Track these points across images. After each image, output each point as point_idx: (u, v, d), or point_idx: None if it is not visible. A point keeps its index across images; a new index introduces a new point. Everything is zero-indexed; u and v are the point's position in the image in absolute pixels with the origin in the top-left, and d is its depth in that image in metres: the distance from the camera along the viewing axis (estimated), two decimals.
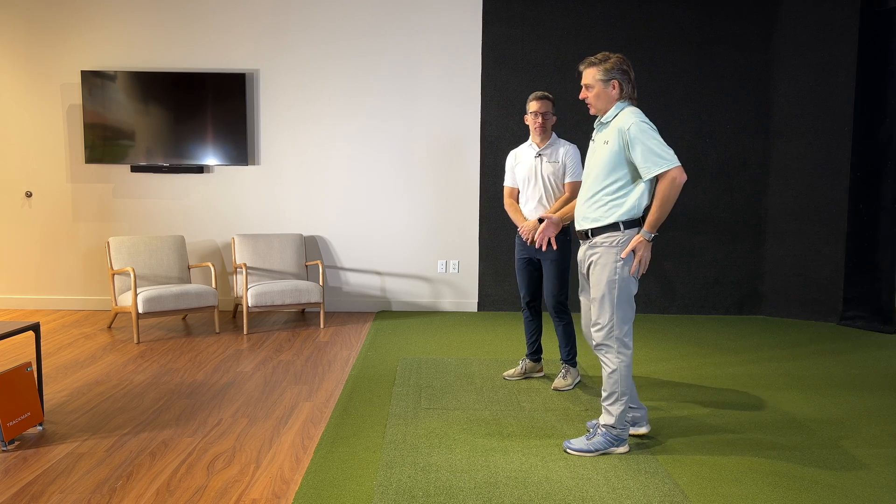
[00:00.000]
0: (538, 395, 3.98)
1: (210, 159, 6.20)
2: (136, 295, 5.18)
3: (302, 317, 6.23)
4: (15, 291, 6.42)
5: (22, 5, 6.20)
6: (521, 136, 6.23)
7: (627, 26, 6.19)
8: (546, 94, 4.01)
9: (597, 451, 3.10)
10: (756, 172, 6.28)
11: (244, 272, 5.57)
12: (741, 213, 6.31)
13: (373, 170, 6.37)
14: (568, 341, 4.10)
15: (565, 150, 4.02)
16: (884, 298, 5.78)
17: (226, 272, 6.43)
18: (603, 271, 3.08)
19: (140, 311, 5.16)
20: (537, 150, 4.05)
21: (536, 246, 3.86)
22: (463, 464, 3.00)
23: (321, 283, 5.74)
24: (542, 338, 5.36)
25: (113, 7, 6.21)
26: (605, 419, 3.13)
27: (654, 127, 3.00)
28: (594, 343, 3.16)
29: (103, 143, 6.14)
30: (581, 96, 3.15)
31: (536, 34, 6.22)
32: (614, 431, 3.11)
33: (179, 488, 2.79)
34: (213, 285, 5.76)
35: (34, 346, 4.31)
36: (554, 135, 4.08)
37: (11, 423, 3.17)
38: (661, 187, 2.93)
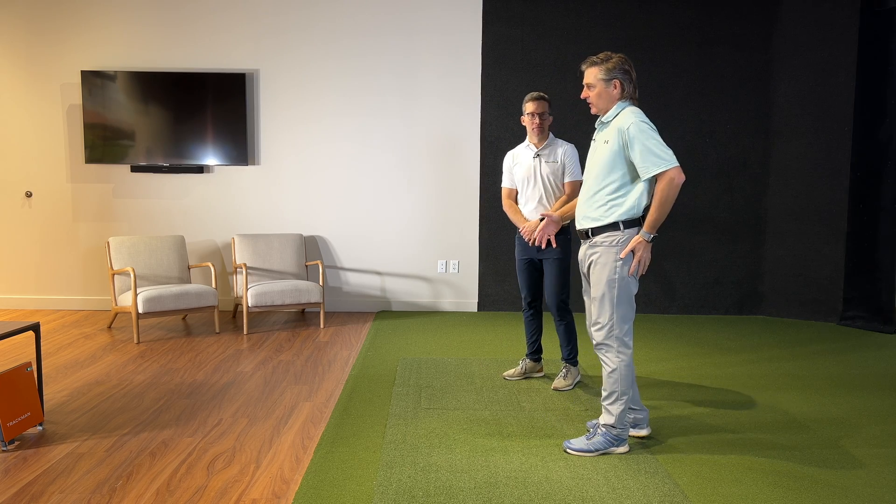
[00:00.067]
0: (538, 395, 3.98)
1: (210, 159, 6.20)
2: (136, 295, 5.18)
3: (302, 317, 6.23)
4: (15, 291, 6.42)
5: (22, 5, 6.20)
6: (521, 136, 6.23)
7: (627, 26, 6.19)
8: (542, 94, 4.01)
9: (597, 451, 3.10)
10: (756, 172, 6.28)
11: (244, 272, 5.57)
12: (741, 213, 6.31)
13: (373, 170, 6.37)
14: (569, 340, 4.10)
15: (564, 149, 4.03)
16: (884, 298, 5.78)
17: (226, 272, 6.43)
18: (603, 271, 3.09)
19: (140, 311, 5.16)
20: (535, 150, 4.05)
21: (536, 243, 3.86)
22: (463, 464, 3.00)
23: (321, 283, 5.74)
24: (543, 338, 5.36)
25: (113, 7, 6.21)
26: (605, 419, 3.13)
27: (654, 127, 3.00)
28: (594, 342, 3.16)
29: (103, 143, 6.14)
30: (583, 95, 3.16)
31: (536, 34, 6.22)
32: (614, 431, 3.11)
33: (179, 488, 2.79)
34: (213, 285, 5.76)
35: (34, 346, 4.31)
36: (551, 135, 4.09)
37: (11, 423, 3.17)
38: (660, 187, 2.94)
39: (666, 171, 2.93)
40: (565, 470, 2.95)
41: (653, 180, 3.03)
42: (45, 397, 3.85)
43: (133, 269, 5.27)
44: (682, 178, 2.93)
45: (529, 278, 4.18)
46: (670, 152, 2.95)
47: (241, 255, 5.99)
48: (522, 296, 4.26)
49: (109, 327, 5.67)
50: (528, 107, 4.00)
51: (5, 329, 3.26)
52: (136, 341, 5.18)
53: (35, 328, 3.43)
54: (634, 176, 3.05)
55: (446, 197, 6.39)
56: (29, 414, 3.28)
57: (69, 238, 6.38)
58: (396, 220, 6.41)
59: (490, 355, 4.88)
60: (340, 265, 6.46)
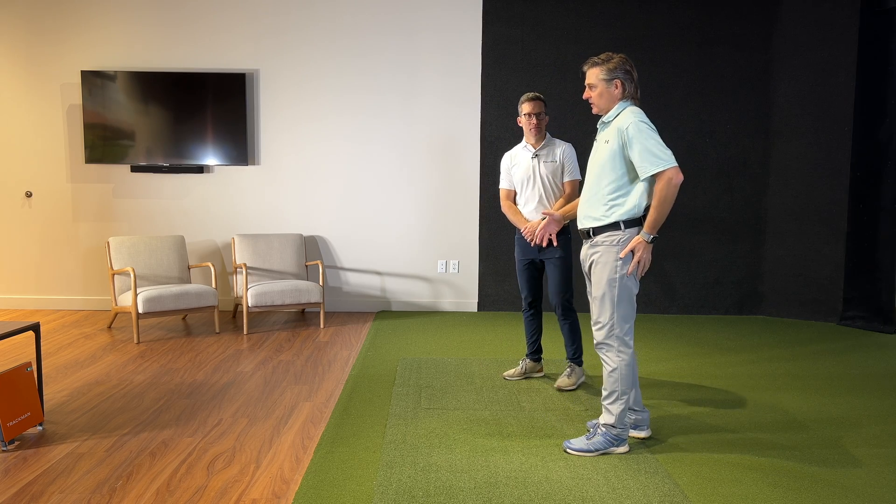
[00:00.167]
0: (538, 395, 3.98)
1: (210, 159, 6.20)
2: (136, 295, 5.18)
3: (302, 317, 6.23)
4: (15, 291, 6.42)
5: (22, 5, 6.20)
6: (521, 136, 6.22)
7: (627, 26, 6.19)
8: (538, 94, 4.02)
9: (597, 450, 3.10)
10: (756, 172, 6.28)
11: (244, 272, 5.57)
12: (741, 213, 6.31)
13: (373, 170, 6.37)
14: (574, 340, 4.10)
15: (562, 149, 4.03)
16: (884, 298, 5.78)
17: (226, 272, 6.43)
18: (604, 270, 3.09)
19: (140, 311, 5.16)
20: (533, 150, 4.05)
21: (537, 242, 3.85)
22: (463, 464, 3.00)
23: (321, 283, 5.74)
24: (543, 338, 5.37)
25: (113, 7, 6.21)
26: (605, 418, 3.13)
27: (654, 127, 3.01)
28: (594, 341, 3.16)
29: (103, 143, 6.14)
30: (584, 96, 3.17)
31: (536, 34, 6.22)
32: (614, 431, 3.11)
33: (179, 488, 2.79)
34: (213, 285, 5.76)
35: (34, 346, 4.31)
36: (548, 134, 4.09)
37: (11, 423, 3.17)
38: (658, 187, 2.95)
39: (664, 170, 2.93)
40: (565, 470, 2.95)
41: (653, 180, 3.03)
42: (45, 397, 3.85)
43: (133, 269, 5.27)
44: (680, 177, 2.94)
45: (530, 279, 4.18)
46: (669, 152, 2.95)
47: (241, 255, 5.99)
48: (522, 296, 4.26)
49: (109, 327, 5.67)
50: (525, 107, 4.00)
51: (5, 329, 3.26)
52: (136, 341, 5.18)
53: (35, 328, 3.43)
54: (635, 176, 3.05)
55: (446, 197, 6.39)
56: (29, 414, 3.28)
57: (69, 238, 6.38)
58: (396, 219, 6.41)
59: (490, 355, 4.88)
60: (340, 265, 6.46)
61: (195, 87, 6.13)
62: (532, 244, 4.04)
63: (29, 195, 6.34)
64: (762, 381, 4.33)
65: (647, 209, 3.07)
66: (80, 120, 6.26)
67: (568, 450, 3.13)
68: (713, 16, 6.17)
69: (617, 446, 3.12)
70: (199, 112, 6.15)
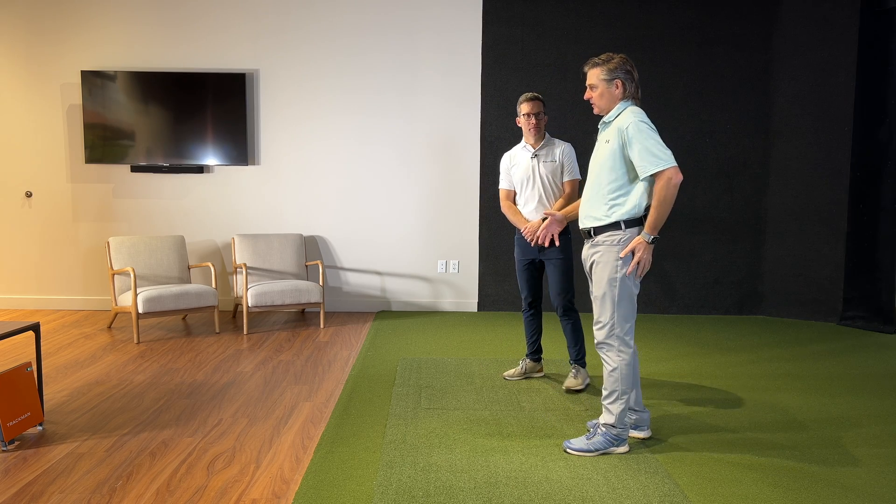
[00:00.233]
0: (538, 395, 3.98)
1: (210, 159, 6.20)
2: (136, 295, 5.18)
3: (302, 317, 6.23)
4: (15, 291, 6.42)
5: (22, 5, 6.20)
6: (521, 136, 6.23)
7: (627, 26, 6.19)
8: (536, 94, 4.02)
9: (597, 450, 3.10)
10: (756, 172, 6.28)
11: (244, 272, 5.57)
12: (741, 213, 6.31)
13: (373, 169, 6.37)
14: (576, 341, 4.09)
15: (561, 149, 4.03)
16: (884, 298, 5.78)
17: (226, 272, 6.43)
18: (604, 270, 3.09)
19: (140, 311, 5.16)
20: (533, 150, 4.05)
21: (539, 242, 3.84)
22: (463, 464, 3.00)
23: (321, 283, 5.74)
24: (543, 338, 5.37)
25: (113, 7, 6.21)
26: (605, 418, 3.13)
27: (654, 127, 3.01)
28: (595, 341, 3.16)
29: (103, 143, 6.14)
30: (585, 97, 3.19)
31: (536, 34, 6.22)
32: (614, 431, 3.11)
33: (179, 488, 2.79)
34: (213, 285, 5.76)
35: (34, 346, 4.31)
36: (548, 134, 4.10)
37: (11, 423, 3.17)
38: (658, 187, 2.95)
39: (663, 170, 2.93)
40: (565, 470, 2.95)
41: (653, 180, 3.03)
42: (45, 397, 3.85)
43: (133, 269, 5.27)
44: (679, 177, 2.94)
45: (530, 279, 4.18)
46: (668, 152, 2.96)
47: (241, 255, 5.99)
48: (522, 296, 4.26)
49: (109, 327, 5.67)
50: (523, 108, 4.01)
51: (5, 329, 3.26)
52: (136, 341, 5.17)
53: (35, 328, 3.43)
54: (635, 176, 3.05)
55: (446, 197, 6.39)
56: (29, 414, 3.28)
57: (69, 238, 6.38)
58: (396, 219, 6.41)
59: (490, 355, 4.88)
60: (340, 265, 6.46)
61: (195, 87, 6.13)
62: (532, 244, 4.04)
63: (29, 195, 6.34)
64: (762, 381, 4.33)
65: (647, 209, 3.08)
66: (80, 120, 6.26)
67: (568, 450, 3.13)
68: (713, 16, 6.17)
69: (617, 446, 3.12)
70: (199, 112, 6.15)
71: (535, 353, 4.30)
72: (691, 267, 6.37)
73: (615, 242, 3.07)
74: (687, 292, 6.40)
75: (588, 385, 4.10)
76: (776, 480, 2.88)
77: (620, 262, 3.06)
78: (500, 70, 6.26)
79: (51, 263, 6.40)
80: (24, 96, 6.27)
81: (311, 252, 6.43)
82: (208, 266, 6.08)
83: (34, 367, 4.40)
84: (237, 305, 6.01)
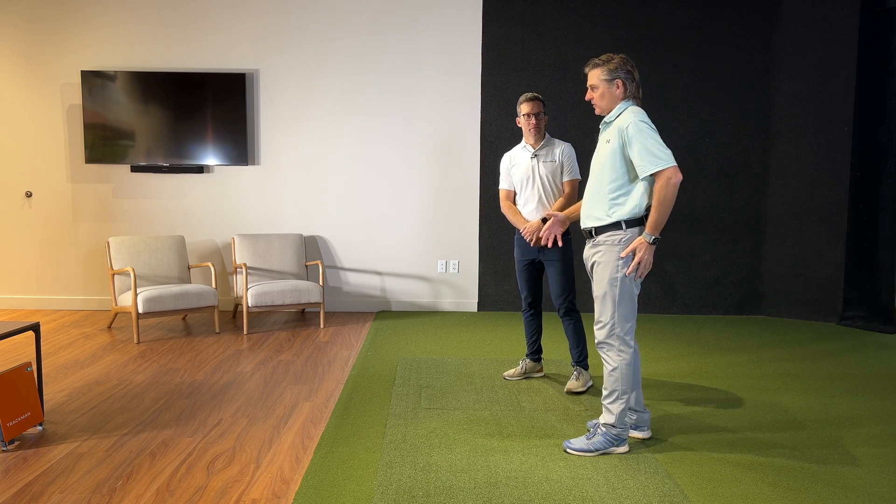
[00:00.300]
0: (538, 395, 3.98)
1: (210, 159, 6.20)
2: (136, 295, 5.18)
3: (302, 317, 6.23)
4: (15, 291, 6.42)
5: (22, 5, 6.20)
6: (521, 136, 6.23)
7: (627, 26, 6.19)
8: (536, 94, 4.02)
9: (597, 450, 3.10)
10: (756, 172, 6.28)
11: (244, 272, 5.58)
12: (741, 213, 6.31)
13: (373, 169, 6.37)
14: (578, 342, 4.08)
15: (561, 149, 4.03)
16: (884, 298, 5.78)
17: (226, 272, 6.43)
18: (605, 269, 3.10)
19: (140, 311, 5.16)
20: (533, 151, 4.05)
21: (542, 242, 3.83)
22: (463, 464, 3.00)
23: (321, 283, 5.74)
24: (543, 338, 5.37)
25: (113, 7, 6.21)
26: (605, 418, 3.13)
27: (654, 127, 3.01)
28: (595, 340, 3.17)
29: (103, 143, 6.14)
30: (587, 97, 3.21)
31: (536, 34, 6.22)
32: (614, 431, 3.11)
33: (179, 488, 2.79)
34: (213, 285, 5.76)
35: (34, 346, 4.31)
36: (548, 134, 4.09)
37: (11, 423, 3.17)
38: (657, 187, 2.95)
39: (663, 170, 2.94)
40: (565, 470, 2.95)
41: (653, 180, 3.04)
42: (45, 397, 3.85)
43: (133, 269, 5.27)
44: (678, 177, 2.94)
45: (530, 279, 4.18)
46: (668, 152, 2.96)
47: (241, 255, 5.99)
48: (522, 296, 4.26)
49: (109, 327, 5.67)
50: (523, 108, 4.01)
51: (5, 329, 3.26)
52: (136, 341, 5.17)
53: (35, 328, 3.43)
54: (635, 176, 3.06)
55: (446, 197, 6.39)
56: (29, 414, 3.28)
57: (69, 238, 6.38)
58: (396, 219, 6.41)
59: (490, 355, 4.88)
60: (340, 265, 6.46)
61: (195, 87, 6.13)
62: (531, 244, 4.04)
63: (29, 195, 6.34)
64: (762, 381, 4.33)
65: (648, 209, 3.08)
66: (80, 120, 6.26)
67: (568, 450, 3.13)
68: (713, 16, 6.17)
69: (617, 446, 3.12)
70: (199, 112, 6.15)
71: (535, 353, 4.30)
72: (691, 267, 6.37)
73: (616, 242, 3.07)
74: (687, 292, 6.40)
75: (590, 387, 4.10)
76: (776, 480, 2.88)
77: (621, 261, 3.06)
78: (500, 70, 6.26)
79: (51, 263, 6.40)
80: (24, 96, 6.27)
81: (311, 252, 6.43)
82: (208, 266, 6.08)
83: (34, 367, 4.40)
84: (237, 305, 6.01)
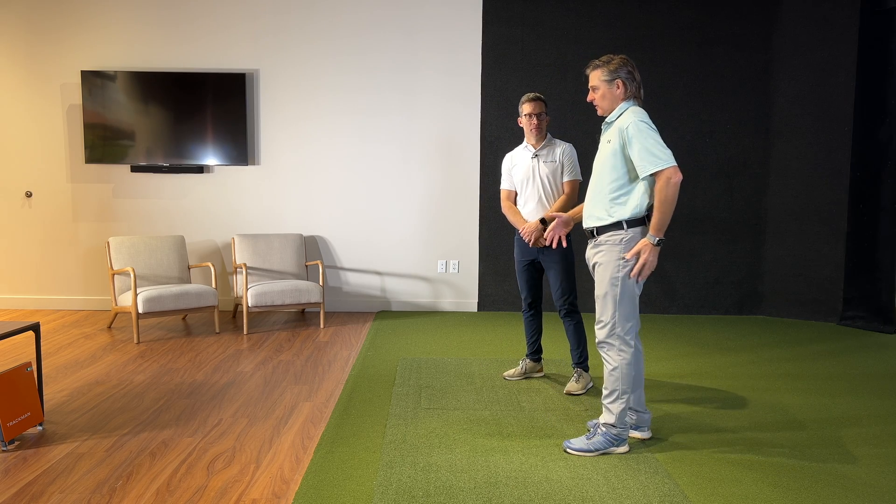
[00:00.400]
0: (538, 395, 3.98)
1: (210, 159, 6.20)
2: (136, 295, 5.18)
3: (302, 317, 6.23)
4: (15, 291, 6.42)
5: (22, 5, 6.20)
6: (521, 135, 6.23)
7: (627, 26, 6.19)
8: (538, 95, 4.01)
9: (597, 450, 3.10)
10: (756, 172, 6.28)
11: (244, 272, 5.58)
12: (741, 213, 6.31)
13: (373, 169, 6.37)
14: (579, 343, 4.08)
15: (562, 149, 4.03)
16: (884, 298, 5.78)
17: (226, 272, 6.43)
18: (606, 269, 3.10)
19: (140, 311, 5.16)
20: (533, 151, 4.05)
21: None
22: (463, 464, 3.00)
23: (321, 283, 5.74)
24: (543, 338, 5.36)
25: (113, 7, 6.21)
26: (605, 418, 3.13)
27: (654, 127, 3.01)
28: (596, 340, 3.17)
29: (103, 143, 6.14)
30: (588, 98, 3.23)
31: (536, 34, 6.22)
32: (614, 431, 3.11)
33: (179, 488, 2.79)
34: (213, 285, 5.76)
35: (34, 346, 4.31)
36: (549, 135, 4.09)
37: (11, 423, 3.17)
38: (658, 188, 2.96)
39: (662, 170, 2.94)
40: (565, 470, 2.95)
41: (653, 180, 3.04)
42: (45, 397, 3.85)
43: (133, 269, 5.27)
44: (678, 176, 2.94)
45: (529, 280, 4.18)
46: (668, 152, 2.96)
47: (241, 255, 5.99)
48: (522, 297, 4.26)
49: (109, 327, 5.67)
50: (525, 108, 4.00)
51: (5, 329, 3.26)
52: (136, 341, 5.18)
53: (35, 328, 3.43)
54: (636, 175, 3.06)
55: (446, 197, 6.39)
56: (29, 414, 3.28)
57: (69, 238, 6.38)
58: (396, 219, 6.41)
59: (490, 355, 4.88)
60: (340, 265, 6.46)
61: (195, 87, 6.13)
62: (530, 245, 4.04)
63: (29, 195, 6.34)
64: (762, 381, 4.33)
65: (649, 208, 3.09)
66: (80, 120, 6.26)
67: (568, 450, 3.13)
68: (713, 16, 6.17)
69: (617, 446, 3.12)
70: (199, 112, 6.15)
71: (535, 353, 4.30)
72: (691, 267, 6.37)
73: (617, 242, 3.08)
74: (687, 292, 6.40)
75: (590, 388, 4.10)
76: (776, 480, 2.88)
77: (622, 261, 3.06)
78: (500, 70, 6.26)
79: (51, 263, 6.40)
80: (24, 96, 6.27)
81: (311, 252, 6.43)
82: (208, 266, 6.08)
83: (34, 367, 4.40)
84: (237, 305, 6.01)
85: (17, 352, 4.83)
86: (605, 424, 3.13)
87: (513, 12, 6.21)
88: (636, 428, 3.32)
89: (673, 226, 6.34)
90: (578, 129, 6.24)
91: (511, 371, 4.32)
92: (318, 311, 6.45)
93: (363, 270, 6.46)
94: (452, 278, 6.46)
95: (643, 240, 3.02)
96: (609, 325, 3.10)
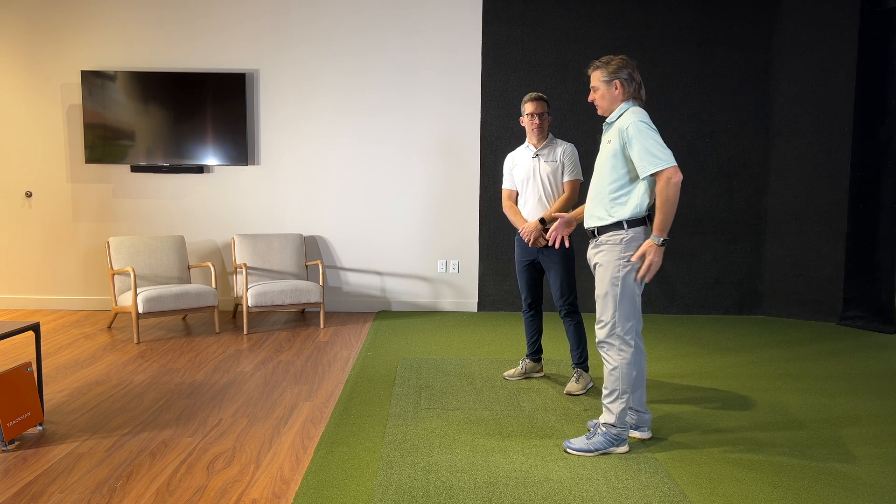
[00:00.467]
0: (538, 395, 3.98)
1: (210, 159, 6.20)
2: (136, 295, 5.18)
3: (302, 317, 6.23)
4: (15, 291, 6.42)
5: (22, 5, 6.20)
6: (521, 135, 6.23)
7: (627, 26, 6.19)
8: (541, 94, 4.01)
9: (597, 450, 3.10)
10: (756, 172, 6.28)
11: (244, 272, 5.58)
12: (741, 213, 6.31)
13: (373, 169, 6.37)
14: (579, 344, 4.08)
15: (563, 149, 4.03)
16: (884, 298, 5.79)
17: (226, 272, 6.43)
18: (606, 269, 3.11)
19: (140, 311, 5.16)
20: (535, 150, 4.05)
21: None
22: (463, 464, 3.00)
23: (321, 283, 5.74)
24: (543, 338, 5.36)
25: (113, 7, 6.21)
26: (605, 417, 3.13)
27: (654, 127, 3.02)
28: (596, 339, 3.17)
29: (103, 143, 6.14)
30: (589, 99, 3.26)
31: (536, 34, 6.22)
32: (614, 431, 3.11)
33: (179, 488, 2.79)
34: (213, 285, 5.76)
35: (34, 346, 4.31)
36: (551, 135, 4.09)
37: (11, 423, 3.17)
38: (659, 188, 2.97)
39: (662, 170, 2.95)
40: (565, 470, 2.95)
41: (654, 180, 3.05)
42: (45, 397, 3.85)
43: (133, 269, 5.27)
44: (678, 177, 2.95)
45: (529, 280, 4.18)
46: (668, 152, 2.97)
47: (241, 255, 5.99)
48: (522, 297, 4.26)
49: (109, 327, 5.67)
50: (528, 107, 4.00)
51: (5, 329, 3.26)
52: (136, 341, 5.18)
53: (35, 328, 3.43)
54: (636, 175, 3.07)
55: (446, 197, 6.39)
56: (29, 414, 3.28)
57: (69, 238, 6.38)
58: (396, 219, 6.41)
59: (490, 355, 4.88)
60: (340, 265, 6.46)
61: (195, 87, 6.13)
62: (529, 245, 4.04)
63: (29, 195, 6.34)
64: (762, 381, 4.33)
65: (650, 208, 3.10)
66: (80, 120, 6.26)
67: (568, 450, 3.13)
68: (713, 16, 6.17)
69: (617, 446, 3.12)
70: (199, 112, 6.15)
71: (536, 353, 4.30)
72: (691, 267, 6.37)
73: (618, 242, 3.08)
74: (687, 292, 6.40)
75: (590, 388, 4.09)
76: (776, 480, 2.88)
77: (622, 261, 3.07)
78: (500, 70, 6.26)
79: (51, 263, 6.40)
80: (24, 96, 6.28)
81: (311, 252, 6.43)
82: (208, 266, 6.08)
83: (34, 367, 4.40)
84: (237, 305, 6.01)
85: (17, 352, 4.83)
86: (605, 424, 3.13)
87: (513, 12, 6.21)
88: (636, 428, 3.32)
89: (673, 226, 6.34)
90: (578, 129, 6.24)
91: (511, 371, 4.32)
92: (318, 311, 6.45)
93: (363, 270, 6.47)
94: (452, 278, 6.46)
95: (648, 241, 3.03)
96: (609, 325, 3.11)
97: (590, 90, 3.26)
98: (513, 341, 5.30)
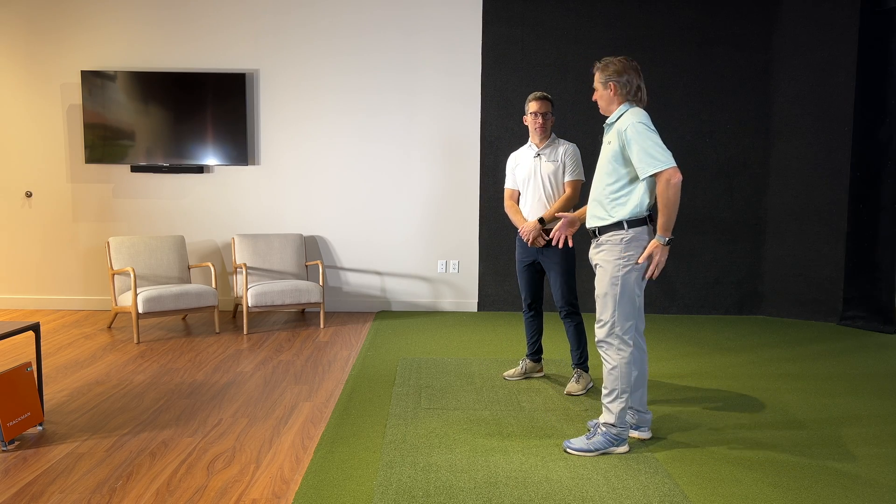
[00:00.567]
0: (538, 395, 3.98)
1: (210, 159, 6.20)
2: (136, 295, 5.18)
3: (302, 317, 6.23)
4: (15, 291, 6.42)
5: (22, 5, 6.20)
6: (521, 135, 6.23)
7: (627, 26, 6.19)
8: (545, 94, 4.01)
9: (597, 450, 3.10)
10: (756, 172, 6.28)
11: (244, 272, 5.58)
12: (741, 213, 6.31)
13: (373, 169, 6.37)
14: (579, 344, 4.08)
15: (564, 149, 4.03)
16: (884, 298, 5.78)
17: (226, 272, 6.43)
18: (606, 269, 3.11)
19: (140, 311, 5.16)
20: (537, 149, 4.05)
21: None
22: (463, 464, 3.00)
23: (321, 283, 5.74)
24: (543, 338, 5.36)
25: (113, 7, 6.21)
26: (605, 417, 3.13)
27: (653, 129, 3.03)
28: (596, 339, 3.18)
29: (103, 143, 6.14)
30: (593, 98, 3.29)
31: (536, 34, 6.22)
32: (614, 430, 3.11)
33: (179, 488, 2.79)
34: (213, 285, 5.76)
35: (34, 346, 4.31)
36: (553, 135, 4.09)
37: (11, 423, 3.17)
38: (659, 190, 2.98)
39: (662, 171, 2.95)
40: (565, 470, 2.95)
41: (653, 180, 3.06)
42: (45, 397, 3.85)
43: (133, 269, 5.27)
44: (678, 177, 2.96)
45: (530, 280, 4.18)
46: (667, 153, 2.97)
47: (241, 255, 5.99)
48: (522, 297, 4.26)
49: (109, 327, 5.67)
50: (531, 106, 4.00)
51: (5, 329, 3.26)
52: (136, 341, 5.18)
53: (35, 328, 3.43)
54: (636, 176, 3.08)
55: (446, 196, 6.39)
56: (29, 414, 3.28)
57: (69, 238, 6.38)
58: (396, 219, 6.41)
59: (490, 355, 4.88)
60: (340, 265, 6.46)
61: (195, 87, 6.13)
62: (528, 245, 4.04)
63: (29, 195, 6.34)
64: (762, 381, 4.33)
65: (650, 208, 3.11)
66: (80, 120, 6.26)
67: (568, 450, 3.13)
68: (713, 16, 6.17)
69: (617, 446, 3.12)
70: (199, 112, 6.15)
71: (536, 353, 4.30)
72: (691, 267, 6.37)
73: (618, 242, 3.09)
74: (687, 292, 6.40)
75: (590, 388, 4.09)
76: (776, 480, 2.88)
77: (622, 260, 3.08)
78: (500, 70, 6.26)
79: (51, 263, 6.40)
80: (24, 96, 6.28)
81: (311, 252, 6.43)
82: (208, 266, 6.08)
83: (34, 367, 4.40)
84: (237, 305, 6.01)
85: (17, 352, 4.83)
86: (604, 424, 3.13)
87: (513, 12, 6.21)
88: (636, 428, 3.32)
89: (674, 225, 6.33)
90: (579, 129, 6.23)
91: (511, 371, 4.32)
92: (318, 311, 6.45)
93: (363, 270, 6.47)
94: (452, 278, 6.46)
95: (653, 241, 3.04)
96: (608, 325, 3.11)
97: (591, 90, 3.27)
98: (513, 341, 5.30)
